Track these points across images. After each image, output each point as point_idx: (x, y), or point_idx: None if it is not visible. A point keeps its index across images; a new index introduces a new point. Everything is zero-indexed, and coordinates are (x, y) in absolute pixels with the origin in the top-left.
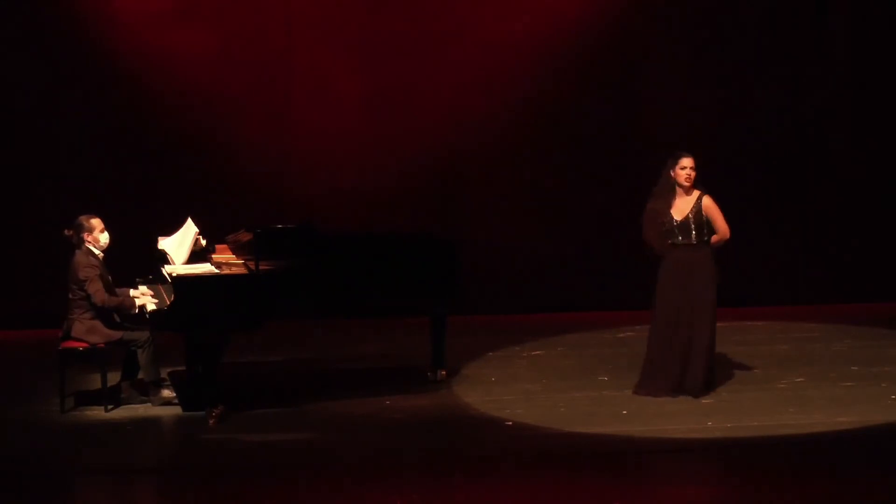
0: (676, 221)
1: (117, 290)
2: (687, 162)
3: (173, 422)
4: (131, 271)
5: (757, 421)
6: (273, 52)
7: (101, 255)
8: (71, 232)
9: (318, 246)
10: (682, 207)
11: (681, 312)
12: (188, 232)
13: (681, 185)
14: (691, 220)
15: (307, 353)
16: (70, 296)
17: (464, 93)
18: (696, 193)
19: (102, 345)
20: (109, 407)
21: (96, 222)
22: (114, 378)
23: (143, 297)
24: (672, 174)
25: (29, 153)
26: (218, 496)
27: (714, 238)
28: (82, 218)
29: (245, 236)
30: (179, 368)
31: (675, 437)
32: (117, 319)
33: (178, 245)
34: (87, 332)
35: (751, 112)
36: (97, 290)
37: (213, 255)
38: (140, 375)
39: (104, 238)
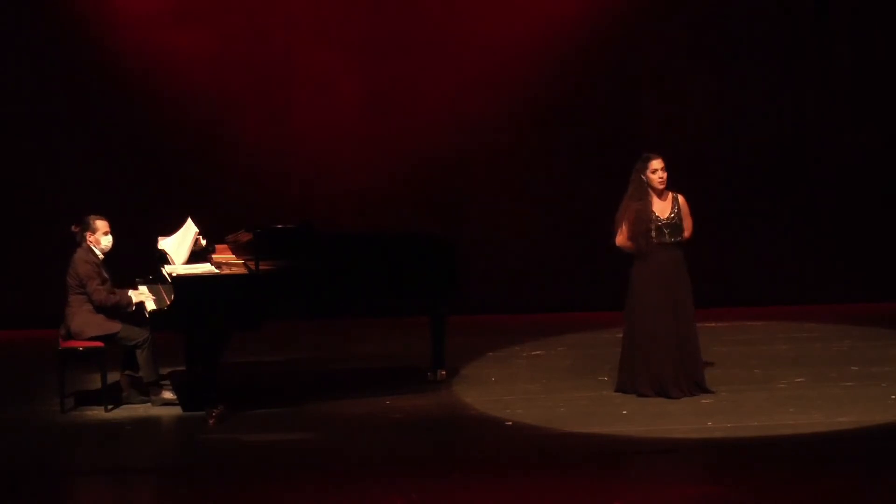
0: (663, 221)
1: (116, 291)
2: (657, 164)
3: (173, 422)
4: (131, 271)
5: (757, 421)
6: (273, 52)
7: (101, 256)
8: (77, 228)
9: (318, 246)
10: (663, 207)
11: (674, 311)
12: (188, 232)
13: (655, 189)
14: (674, 219)
15: (307, 353)
16: (67, 290)
17: (464, 92)
18: (670, 194)
19: (102, 343)
20: (109, 407)
21: (101, 224)
22: (114, 378)
23: (142, 296)
24: (644, 177)
25: (28, 153)
26: (218, 496)
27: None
28: (90, 217)
29: (245, 236)
30: (179, 368)
31: (675, 437)
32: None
33: (178, 245)
34: (85, 323)
35: (751, 112)
36: (96, 290)
37: (213, 255)
38: (139, 374)
39: (105, 241)
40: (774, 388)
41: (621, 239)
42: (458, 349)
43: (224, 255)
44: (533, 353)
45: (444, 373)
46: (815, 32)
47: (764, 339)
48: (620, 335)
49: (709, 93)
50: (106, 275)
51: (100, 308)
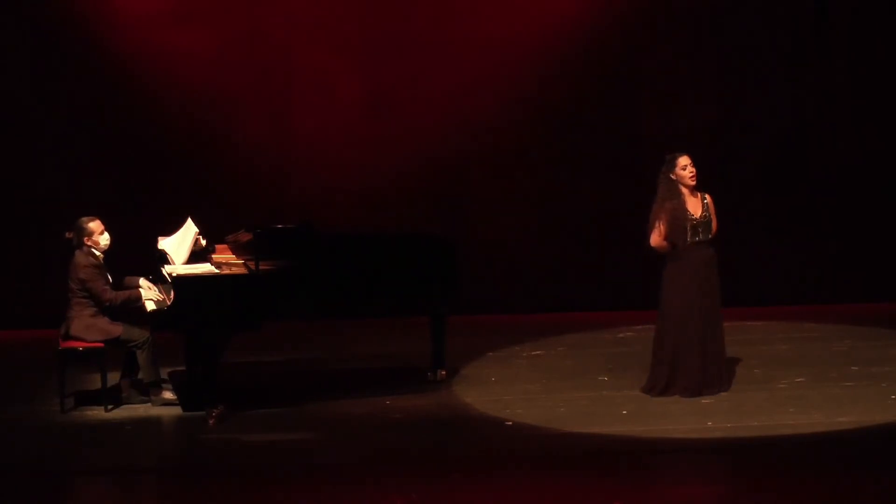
0: (696, 219)
1: (126, 280)
2: (685, 161)
3: (173, 422)
4: (131, 271)
5: (757, 421)
6: (273, 52)
7: (102, 255)
8: (71, 234)
9: (318, 246)
10: (694, 205)
11: (706, 310)
12: (188, 232)
13: (687, 185)
14: (706, 217)
15: (307, 353)
16: (69, 294)
17: (464, 93)
18: (698, 193)
19: (102, 344)
20: (109, 407)
21: (95, 225)
22: (114, 378)
23: (148, 292)
24: (673, 176)
25: (28, 153)
26: (218, 496)
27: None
28: (82, 221)
29: (245, 236)
30: (179, 368)
31: (675, 437)
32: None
33: (178, 245)
34: (86, 328)
35: (750, 112)
36: (103, 290)
37: (213, 255)
38: (140, 375)
39: (104, 240)
40: (774, 388)
41: (657, 239)
42: (458, 349)
43: (224, 255)
44: (533, 353)
45: (444, 373)
46: (815, 33)
47: (764, 339)
48: (621, 335)
49: (709, 93)
50: (107, 275)
51: (109, 308)
